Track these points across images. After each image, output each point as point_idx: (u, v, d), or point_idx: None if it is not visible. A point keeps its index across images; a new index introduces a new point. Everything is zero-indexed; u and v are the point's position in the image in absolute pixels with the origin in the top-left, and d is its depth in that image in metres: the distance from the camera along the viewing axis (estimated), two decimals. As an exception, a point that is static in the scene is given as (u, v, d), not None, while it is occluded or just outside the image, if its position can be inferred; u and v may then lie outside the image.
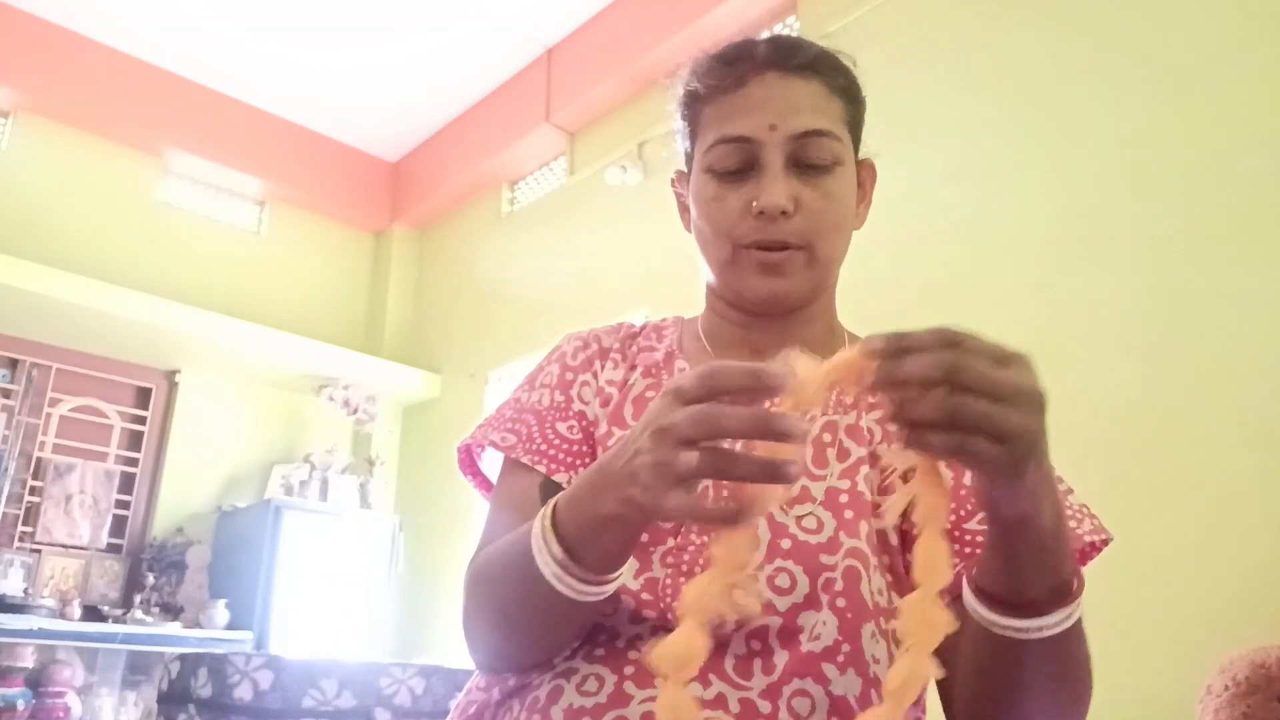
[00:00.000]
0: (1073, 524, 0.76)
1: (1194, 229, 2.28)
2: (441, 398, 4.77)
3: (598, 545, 0.62)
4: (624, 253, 3.88)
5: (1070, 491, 0.80)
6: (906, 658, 0.54)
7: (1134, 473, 2.20)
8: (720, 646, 0.70)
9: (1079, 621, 0.63)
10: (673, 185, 0.94)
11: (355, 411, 4.58)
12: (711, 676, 0.69)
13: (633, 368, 0.89)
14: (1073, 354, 2.40)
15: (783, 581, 0.72)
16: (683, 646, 0.55)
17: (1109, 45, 2.58)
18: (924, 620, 0.54)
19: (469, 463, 0.92)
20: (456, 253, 5.03)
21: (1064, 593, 0.61)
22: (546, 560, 0.63)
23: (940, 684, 0.73)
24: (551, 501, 0.65)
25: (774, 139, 0.81)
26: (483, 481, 0.93)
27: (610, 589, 0.65)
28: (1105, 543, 0.78)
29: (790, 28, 3.58)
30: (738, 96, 0.83)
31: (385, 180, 5.32)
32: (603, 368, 0.89)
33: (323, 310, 5.01)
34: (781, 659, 0.70)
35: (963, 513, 0.77)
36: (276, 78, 4.62)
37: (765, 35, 0.88)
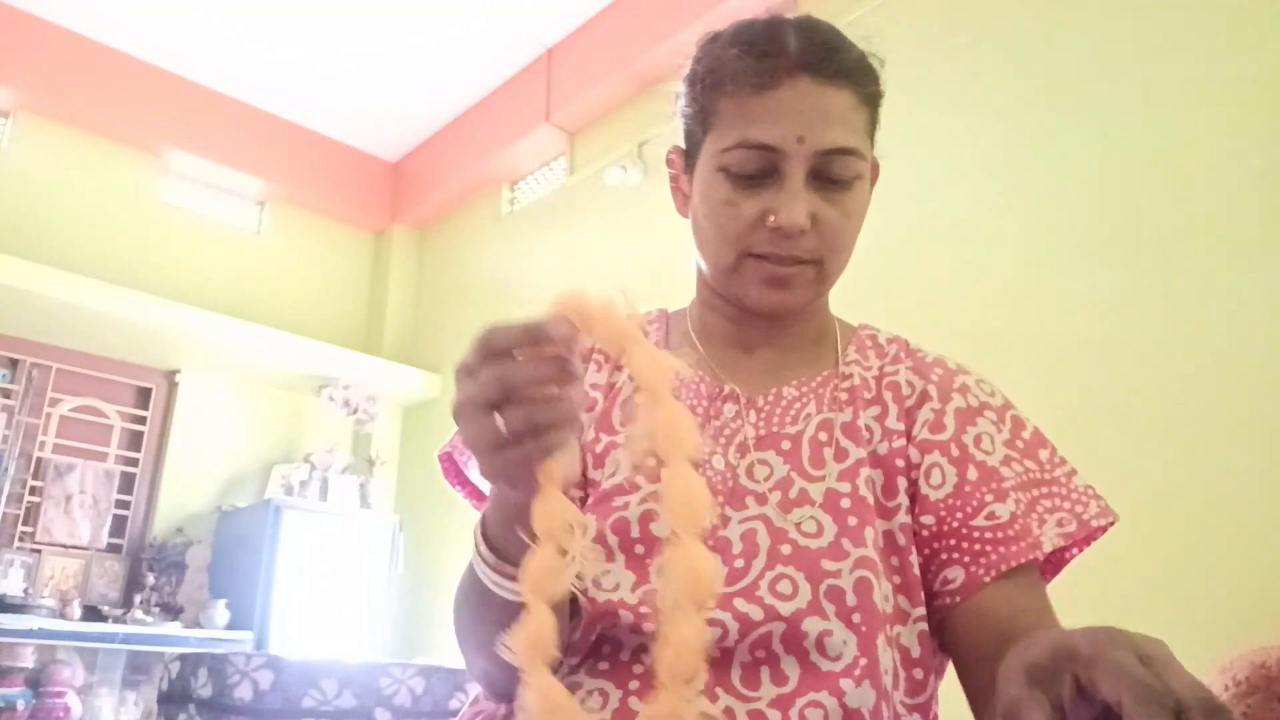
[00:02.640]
0: (1079, 509, 0.76)
1: (1194, 229, 2.28)
2: (441, 398, 4.76)
3: (515, 538, 0.60)
4: (624, 253, 3.88)
5: (1074, 473, 0.79)
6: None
7: (1134, 472, 2.20)
8: (725, 658, 0.69)
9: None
10: (668, 162, 0.88)
11: (355, 411, 4.58)
12: (718, 690, 0.67)
13: (617, 368, 0.85)
14: (1072, 353, 2.40)
15: (784, 588, 0.70)
16: (531, 630, 0.53)
17: (1109, 45, 2.58)
18: (690, 572, 0.51)
19: (454, 470, 0.88)
20: (456, 253, 5.03)
21: None
22: (483, 568, 0.64)
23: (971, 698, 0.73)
24: (481, 512, 0.67)
25: (800, 151, 0.75)
26: (472, 490, 0.89)
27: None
28: (1111, 523, 0.77)
29: (790, 28, 3.58)
30: (766, 98, 0.76)
31: (385, 180, 5.31)
32: (585, 371, 0.84)
33: (323, 310, 5.01)
34: (791, 667, 0.68)
35: (969, 509, 0.75)
36: (276, 78, 4.61)
37: (794, 22, 0.80)
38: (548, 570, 0.54)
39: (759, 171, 0.77)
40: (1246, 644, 1.83)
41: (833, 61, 0.77)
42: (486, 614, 0.66)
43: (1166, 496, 2.15)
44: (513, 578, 0.61)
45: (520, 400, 0.53)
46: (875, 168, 0.87)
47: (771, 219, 0.76)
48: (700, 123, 0.82)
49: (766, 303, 0.79)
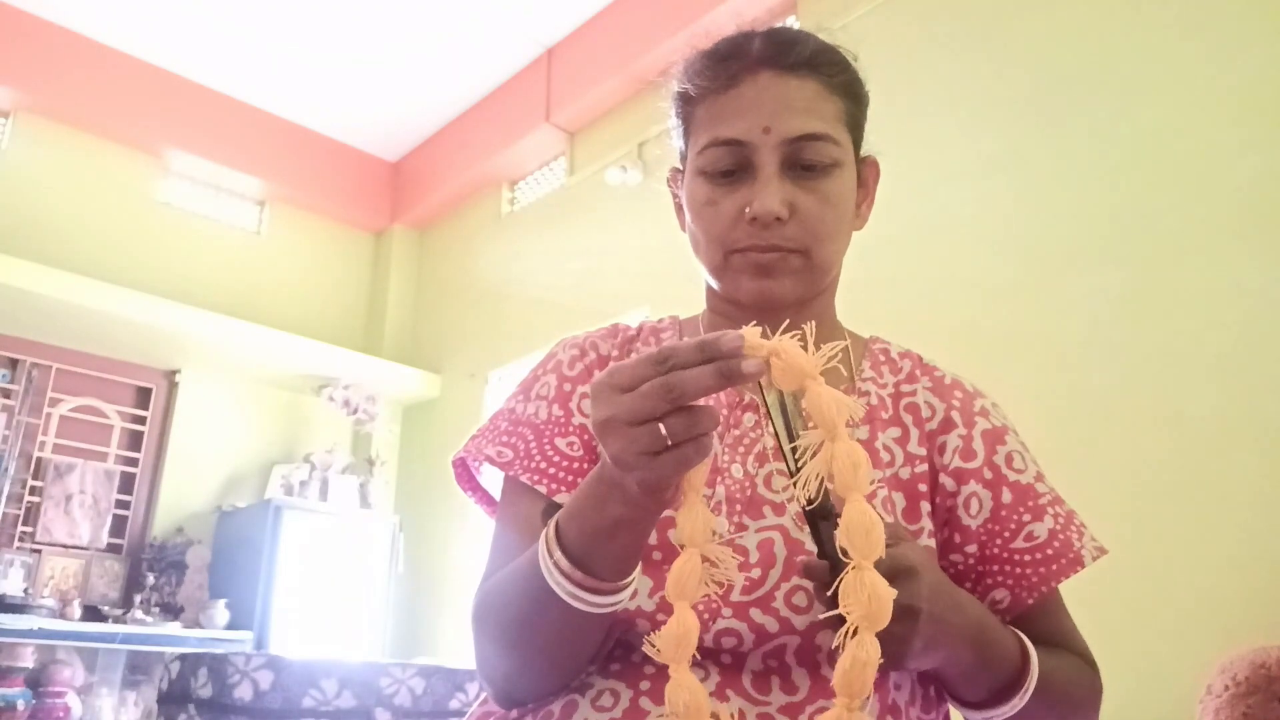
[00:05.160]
0: (1074, 539, 0.78)
1: (1194, 228, 2.28)
2: (441, 398, 4.77)
3: (608, 552, 0.62)
4: (624, 253, 3.88)
5: (1074, 514, 0.81)
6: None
7: (1134, 472, 2.20)
8: (736, 663, 0.70)
9: (1035, 691, 0.71)
10: (669, 184, 0.91)
11: (355, 411, 4.58)
12: (729, 692, 0.68)
13: None
14: (1072, 353, 2.40)
15: (799, 600, 0.70)
16: (677, 628, 0.58)
17: (1109, 45, 2.58)
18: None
19: (467, 476, 0.88)
20: (456, 253, 5.03)
21: (1003, 693, 0.71)
22: (557, 577, 0.63)
23: None
24: (552, 520, 0.65)
25: (768, 142, 0.77)
26: (483, 496, 0.90)
27: (626, 595, 0.65)
28: (1101, 552, 0.80)
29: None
30: (730, 97, 0.79)
31: (385, 180, 5.32)
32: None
33: (323, 310, 5.01)
34: (802, 679, 0.69)
35: (1007, 533, 0.78)
36: (276, 78, 4.61)
37: (762, 29, 0.83)
38: (691, 575, 0.58)
39: (734, 167, 0.79)
40: (1246, 644, 1.83)
41: (791, 53, 0.80)
42: (543, 620, 0.66)
43: (1167, 495, 2.15)
44: (595, 590, 0.63)
45: (683, 409, 0.56)
46: (874, 166, 0.88)
47: (747, 210, 0.77)
48: (683, 135, 0.85)
49: (754, 292, 0.79)
